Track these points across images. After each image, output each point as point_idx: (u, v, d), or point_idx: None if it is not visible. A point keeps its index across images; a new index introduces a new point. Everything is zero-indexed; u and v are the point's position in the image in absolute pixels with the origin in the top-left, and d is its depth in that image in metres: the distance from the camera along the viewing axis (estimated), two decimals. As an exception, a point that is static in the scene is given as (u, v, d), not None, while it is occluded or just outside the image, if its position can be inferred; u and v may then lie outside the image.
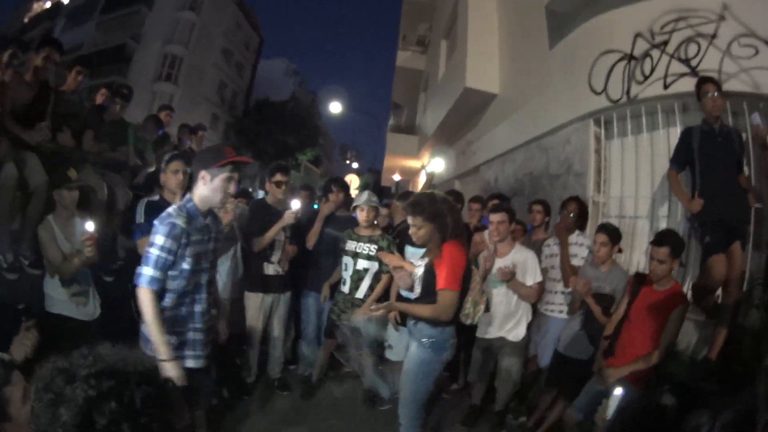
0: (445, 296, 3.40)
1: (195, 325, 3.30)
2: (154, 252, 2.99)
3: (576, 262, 4.80)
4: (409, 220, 3.59)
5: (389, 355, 4.94)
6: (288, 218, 4.71)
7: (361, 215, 4.98)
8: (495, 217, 4.70)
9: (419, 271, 3.70)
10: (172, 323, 3.15)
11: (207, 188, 3.18)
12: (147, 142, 6.33)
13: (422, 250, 4.56)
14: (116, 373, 1.22)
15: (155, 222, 3.09)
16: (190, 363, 3.25)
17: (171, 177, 4.29)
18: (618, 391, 3.62)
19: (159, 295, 3.06)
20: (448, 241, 3.48)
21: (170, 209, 3.15)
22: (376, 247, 4.98)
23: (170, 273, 3.10)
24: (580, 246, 4.87)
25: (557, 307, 4.88)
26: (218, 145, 4.30)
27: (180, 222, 3.07)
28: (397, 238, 5.21)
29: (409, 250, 4.81)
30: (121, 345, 1.39)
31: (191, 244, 3.15)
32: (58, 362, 1.26)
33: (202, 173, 3.18)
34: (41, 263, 4.11)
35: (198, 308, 3.33)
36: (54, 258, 3.92)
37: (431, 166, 16.08)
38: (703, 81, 4.48)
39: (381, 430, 4.69)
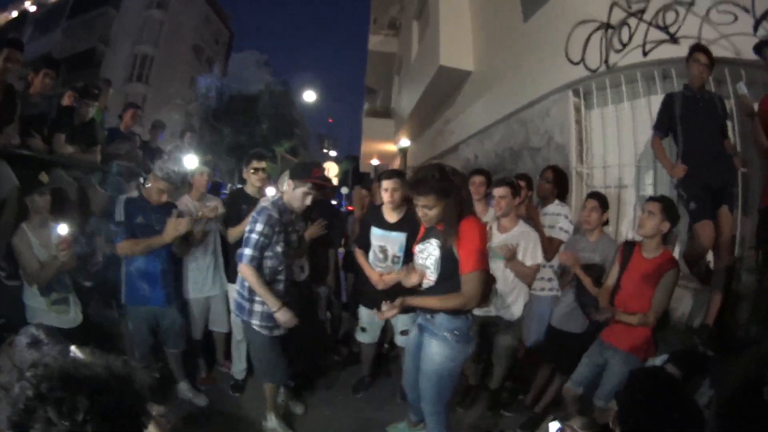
0: (473, 279, 3.09)
1: (283, 299, 3.90)
2: (253, 236, 3.72)
3: (554, 233, 4.75)
4: (417, 200, 3.21)
5: (362, 338, 4.91)
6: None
7: None
8: (498, 191, 4.49)
9: (430, 255, 3.33)
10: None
11: (289, 194, 3.93)
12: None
13: (394, 234, 4.54)
14: (62, 377, 1.15)
15: (255, 214, 3.82)
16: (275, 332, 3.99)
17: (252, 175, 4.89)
18: (616, 361, 3.64)
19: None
20: (465, 218, 3.17)
21: (266, 203, 3.89)
22: None
23: (266, 254, 3.84)
24: (557, 216, 4.81)
25: (539, 284, 4.79)
26: (311, 162, 4.35)
27: (275, 213, 3.82)
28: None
29: (377, 232, 4.63)
30: (101, 350, 1.34)
31: (281, 232, 3.90)
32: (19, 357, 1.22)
33: (289, 181, 3.94)
34: (18, 274, 4.00)
35: (284, 286, 4.03)
36: (30, 266, 3.82)
37: (400, 143, 16.15)
38: (697, 48, 4.42)
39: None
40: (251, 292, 3.87)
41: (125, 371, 1.26)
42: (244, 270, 3.75)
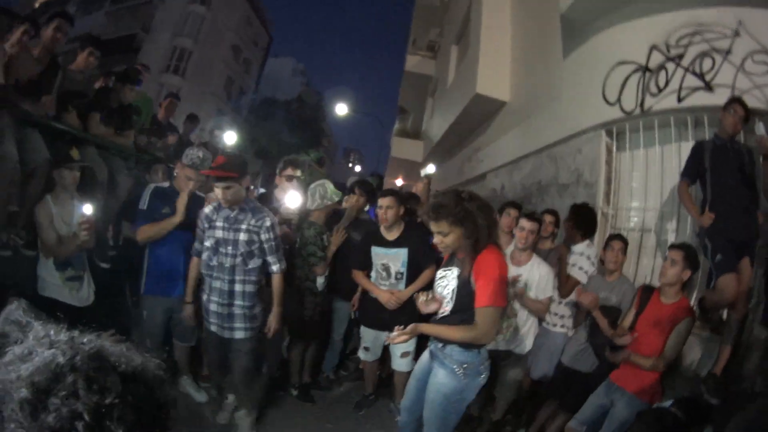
0: (488, 314, 2.94)
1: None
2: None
3: (574, 272, 4.69)
4: (432, 227, 3.10)
5: (365, 356, 4.91)
6: (283, 212, 4.65)
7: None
8: (528, 225, 4.48)
9: (448, 284, 3.21)
10: None
11: None
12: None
13: (394, 250, 4.56)
14: (99, 356, 1.10)
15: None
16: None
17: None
18: (622, 403, 3.64)
19: None
20: (485, 248, 3.02)
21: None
22: None
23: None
24: (581, 256, 4.73)
25: (551, 319, 4.77)
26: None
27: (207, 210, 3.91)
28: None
29: (378, 251, 4.66)
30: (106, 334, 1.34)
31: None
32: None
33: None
34: (36, 244, 4.01)
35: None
36: (49, 239, 3.85)
37: (427, 169, 16.13)
38: (735, 100, 4.41)
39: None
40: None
41: (158, 370, 1.21)
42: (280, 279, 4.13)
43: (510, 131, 9.81)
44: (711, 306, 4.28)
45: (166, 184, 4.39)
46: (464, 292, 3.08)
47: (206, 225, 3.97)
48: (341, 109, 24.87)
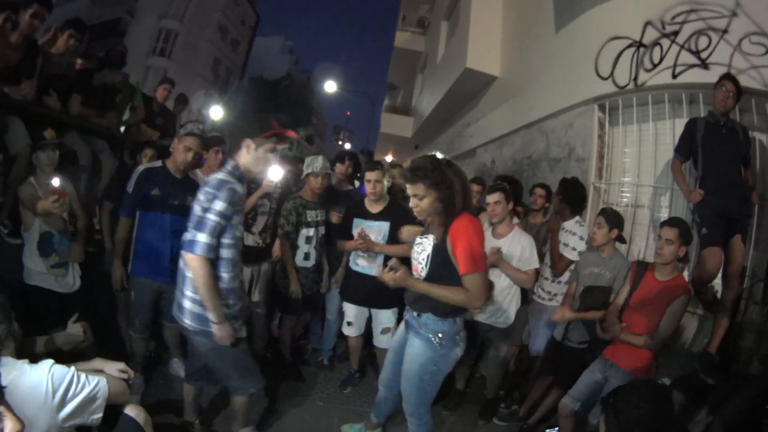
0: (473, 280, 2.90)
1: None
2: (211, 218, 2.99)
3: (566, 252, 4.69)
4: (409, 190, 3.07)
5: (348, 331, 4.91)
6: (266, 187, 4.57)
7: (315, 182, 4.80)
8: (491, 198, 4.46)
9: (423, 250, 3.17)
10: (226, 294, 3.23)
11: (250, 157, 3.27)
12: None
13: (377, 223, 4.57)
14: None
15: (210, 188, 3.06)
16: (242, 333, 3.34)
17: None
18: (616, 379, 3.64)
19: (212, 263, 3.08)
20: (459, 215, 2.98)
21: (222, 175, 3.14)
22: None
23: (223, 241, 3.12)
24: (572, 235, 4.72)
25: (547, 294, 4.82)
26: (266, 115, 4.31)
27: (238, 188, 3.12)
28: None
29: (359, 222, 4.65)
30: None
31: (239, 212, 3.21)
32: None
33: (247, 141, 3.28)
34: (20, 233, 3.97)
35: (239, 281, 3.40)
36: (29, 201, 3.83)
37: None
38: (726, 76, 4.41)
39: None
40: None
41: None
42: (196, 263, 2.99)
43: (500, 106, 9.80)
44: (697, 281, 4.29)
45: (158, 164, 4.29)
46: (438, 259, 3.06)
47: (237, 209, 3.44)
48: (330, 86, 24.73)
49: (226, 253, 3.13)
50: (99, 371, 2.63)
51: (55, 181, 3.55)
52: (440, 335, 3.14)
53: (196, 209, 3.06)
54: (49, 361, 2.34)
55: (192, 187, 4.13)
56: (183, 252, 3.07)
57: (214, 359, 3.37)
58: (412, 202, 3.09)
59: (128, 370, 2.74)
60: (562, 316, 4.16)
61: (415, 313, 3.26)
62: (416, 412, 3.39)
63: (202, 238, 2.97)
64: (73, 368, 2.37)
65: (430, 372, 3.22)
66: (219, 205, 2.99)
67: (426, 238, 3.20)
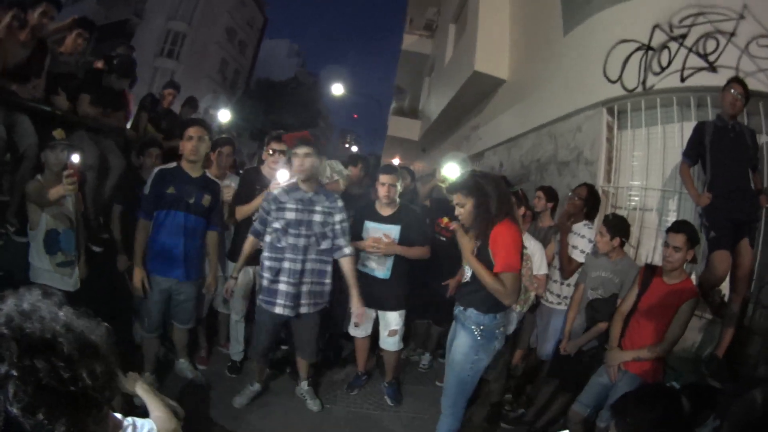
0: (507, 279, 3.21)
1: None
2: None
3: (574, 254, 4.70)
4: (453, 201, 3.46)
5: (355, 332, 4.93)
6: (272, 188, 4.60)
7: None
8: None
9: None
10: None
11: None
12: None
13: (387, 226, 4.64)
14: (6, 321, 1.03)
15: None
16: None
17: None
18: (624, 384, 3.62)
19: None
20: (498, 221, 3.28)
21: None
22: None
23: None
24: (581, 238, 4.74)
25: (556, 298, 4.81)
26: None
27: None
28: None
29: (371, 225, 4.71)
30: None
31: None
32: None
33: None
34: (26, 231, 4.00)
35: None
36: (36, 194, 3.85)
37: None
38: (734, 80, 4.39)
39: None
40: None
41: (93, 340, 1.13)
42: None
43: (508, 109, 9.75)
44: (705, 284, 4.26)
45: (172, 165, 4.33)
46: (481, 260, 3.33)
47: (274, 207, 4.09)
48: (337, 89, 24.72)
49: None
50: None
51: (75, 157, 3.62)
52: (481, 327, 3.41)
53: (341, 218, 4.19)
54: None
55: (209, 186, 4.27)
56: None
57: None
58: (457, 211, 3.44)
59: (178, 408, 2.40)
60: (567, 350, 4.29)
61: (462, 308, 3.56)
62: (453, 405, 3.59)
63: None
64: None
65: (472, 360, 3.45)
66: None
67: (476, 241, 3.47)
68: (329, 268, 4.27)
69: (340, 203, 4.22)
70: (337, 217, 4.20)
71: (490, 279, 3.24)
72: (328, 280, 4.28)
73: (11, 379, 0.94)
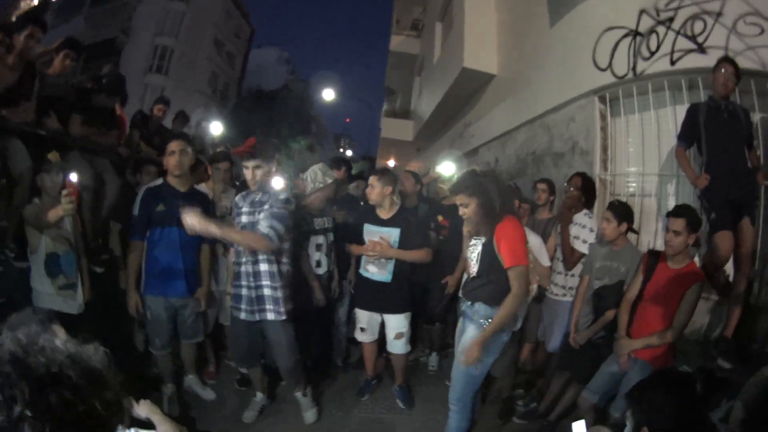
0: (516, 273, 3.31)
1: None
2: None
3: (577, 245, 4.68)
4: (457, 201, 3.51)
5: (362, 337, 4.91)
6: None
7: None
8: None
9: (475, 249, 3.56)
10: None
11: None
12: None
13: (386, 229, 4.63)
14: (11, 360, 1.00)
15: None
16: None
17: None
18: (635, 371, 3.61)
19: None
20: (503, 218, 3.37)
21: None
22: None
23: None
24: (582, 228, 4.72)
25: (561, 289, 4.80)
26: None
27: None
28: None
29: (370, 228, 4.70)
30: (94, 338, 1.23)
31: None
32: None
33: None
34: (26, 256, 3.99)
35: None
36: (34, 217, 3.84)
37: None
38: (724, 59, 4.39)
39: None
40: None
41: (97, 367, 1.11)
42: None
43: (500, 104, 9.76)
44: (709, 266, 4.25)
45: (159, 182, 4.32)
46: (486, 257, 3.45)
47: (235, 212, 4.16)
48: (328, 94, 24.69)
49: None
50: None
51: (73, 176, 3.60)
52: (489, 320, 3.43)
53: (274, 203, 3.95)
54: None
55: (198, 199, 4.22)
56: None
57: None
58: (461, 211, 3.49)
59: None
60: (576, 342, 4.23)
61: (469, 303, 3.61)
62: (461, 399, 3.61)
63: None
64: None
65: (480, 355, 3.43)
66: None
67: (479, 239, 3.56)
68: (285, 269, 4.14)
69: (282, 196, 4.02)
70: (267, 205, 4.00)
71: (505, 311, 3.33)
72: (279, 283, 4.06)
73: (27, 419, 0.93)
